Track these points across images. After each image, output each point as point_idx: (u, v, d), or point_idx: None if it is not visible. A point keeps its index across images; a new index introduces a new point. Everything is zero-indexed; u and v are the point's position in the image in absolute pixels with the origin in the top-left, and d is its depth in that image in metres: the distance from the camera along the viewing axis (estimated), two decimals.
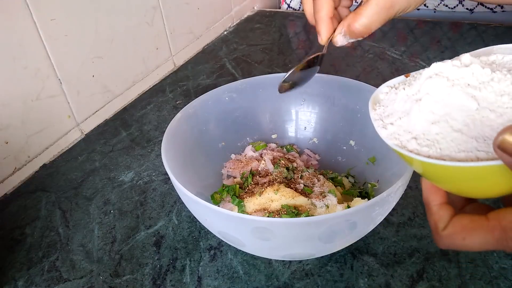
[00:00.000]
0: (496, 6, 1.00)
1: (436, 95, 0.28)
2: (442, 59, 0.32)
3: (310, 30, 1.05)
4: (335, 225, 0.38)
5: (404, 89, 0.32)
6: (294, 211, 0.45)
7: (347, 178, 0.54)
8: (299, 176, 0.51)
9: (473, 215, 0.28)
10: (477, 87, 0.27)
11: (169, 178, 0.58)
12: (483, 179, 0.26)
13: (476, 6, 1.02)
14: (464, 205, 0.32)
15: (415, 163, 0.28)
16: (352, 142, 0.56)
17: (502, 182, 0.26)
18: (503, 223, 0.26)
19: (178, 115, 0.51)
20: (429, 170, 0.28)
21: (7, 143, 0.60)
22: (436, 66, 0.30)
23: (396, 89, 0.33)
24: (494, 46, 0.32)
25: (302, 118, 0.60)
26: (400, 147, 0.29)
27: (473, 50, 0.33)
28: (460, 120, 0.27)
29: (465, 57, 0.30)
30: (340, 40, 0.43)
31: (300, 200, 0.47)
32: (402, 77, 0.35)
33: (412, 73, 0.34)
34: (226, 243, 0.49)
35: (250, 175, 0.53)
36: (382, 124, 0.31)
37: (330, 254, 0.47)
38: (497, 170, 0.24)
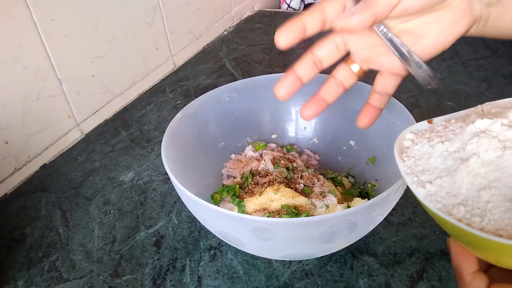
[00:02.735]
0: None
1: (486, 157, 0.26)
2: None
3: None
4: (335, 225, 0.38)
5: (442, 143, 0.29)
6: (294, 211, 0.45)
7: (347, 178, 0.54)
8: (299, 176, 0.51)
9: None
10: None
11: (169, 178, 0.58)
12: None
13: None
14: (488, 268, 0.29)
15: (464, 234, 0.25)
16: (352, 142, 0.56)
17: None
18: None
19: (178, 115, 0.51)
20: (478, 244, 0.25)
21: (7, 143, 0.60)
22: (483, 123, 0.27)
23: (428, 140, 0.30)
24: None
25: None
26: (444, 212, 0.26)
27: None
28: None
29: None
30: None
31: (300, 200, 0.47)
32: (425, 123, 0.33)
33: (436, 120, 0.32)
34: (226, 243, 0.49)
35: (250, 175, 0.52)
36: (418, 181, 0.28)
37: (330, 254, 0.47)
38: None
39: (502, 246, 0.23)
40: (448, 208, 0.26)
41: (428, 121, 0.33)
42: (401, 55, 0.35)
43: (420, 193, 0.28)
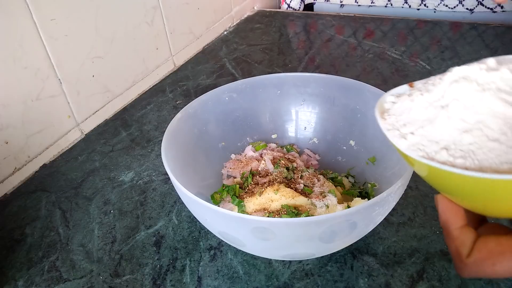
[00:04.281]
0: (496, 6, 1.00)
1: (466, 101, 0.26)
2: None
3: (310, 30, 1.05)
4: (335, 225, 0.38)
5: (422, 95, 0.29)
6: (294, 211, 0.45)
7: (347, 178, 0.54)
8: (299, 176, 0.51)
9: (499, 237, 0.25)
10: (509, 92, 0.25)
11: (169, 178, 0.58)
12: None
13: (476, 6, 1.02)
14: (477, 227, 0.29)
15: (448, 178, 0.25)
16: (352, 142, 0.56)
17: None
18: None
19: (178, 115, 0.51)
20: (463, 187, 0.25)
21: (7, 143, 0.60)
22: (460, 70, 0.27)
23: (408, 96, 0.30)
24: None
25: (302, 118, 0.60)
26: (427, 159, 0.26)
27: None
28: (496, 129, 0.24)
29: (491, 61, 0.27)
30: None
31: (300, 200, 0.47)
32: (405, 87, 0.33)
33: (417, 82, 0.32)
34: (226, 243, 0.49)
35: (250, 175, 0.53)
36: (400, 134, 0.28)
37: (330, 254, 0.47)
38: None
39: (486, 182, 0.23)
40: (431, 154, 0.26)
41: (409, 84, 0.33)
42: None
43: (402, 145, 0.27)
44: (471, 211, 0.28)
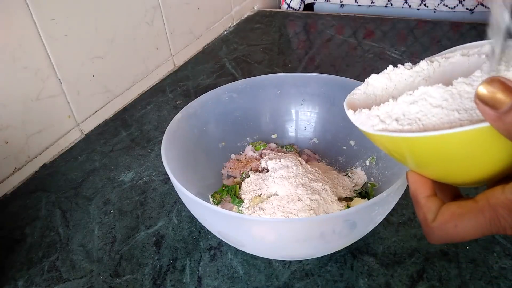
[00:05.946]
0: None
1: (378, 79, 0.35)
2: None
3: (310, 30, 1.05)
4: (335, 225, 0.38)
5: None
6: None
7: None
8: None
9: (461, 201, 0.27)
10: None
11: (169, 178, 0.58)
12: (471, 148, 0.25)
13: (476, 6, 1.02)
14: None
15: (398, 143, 0.28)
16: (352, 142, 0.56)
17: (493, 152, 0.25)
18: (492, 201, 0.25)
19: (178, 115, 0.51)
20: (414, 148, 0.27)
21: (7, 143, 0.60)
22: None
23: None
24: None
25: (302, 118, 0.60)
26: (380, 131, 0.29)
27: None
28: (438, 96, 0.27)
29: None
30: None
31: None
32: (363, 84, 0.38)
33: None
34: (226, 243, 0.49)
35: None
36: (365, 118, 0.32)
37: (330, 254, 0.47)
38: (484, 133, 0.24)
39: (432, 141, 0.25)
40: (386, 128, 0.29)
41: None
42: None
43: (364, 126, 0.31)
44: (438, 181, 0.30)
